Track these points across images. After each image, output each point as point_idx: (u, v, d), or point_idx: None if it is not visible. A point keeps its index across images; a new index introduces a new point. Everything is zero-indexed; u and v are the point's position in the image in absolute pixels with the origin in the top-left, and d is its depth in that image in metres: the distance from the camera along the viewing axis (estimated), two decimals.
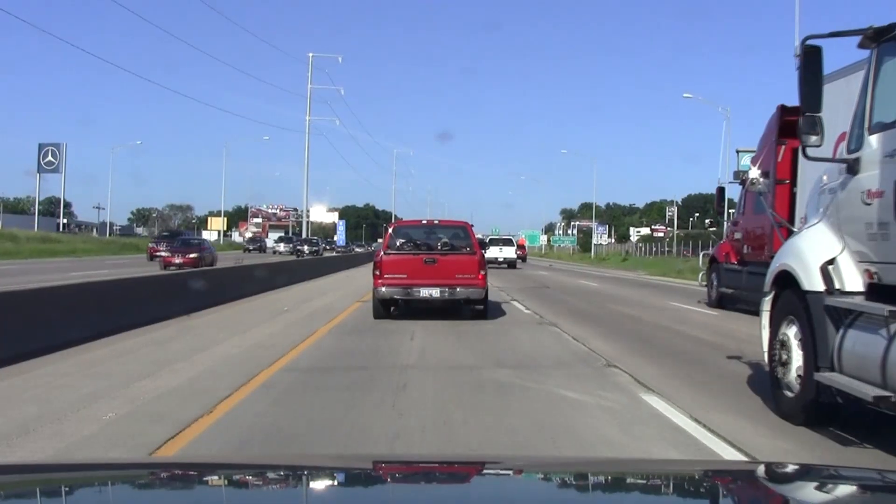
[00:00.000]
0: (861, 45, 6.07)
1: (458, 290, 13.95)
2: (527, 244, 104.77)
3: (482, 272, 14.10)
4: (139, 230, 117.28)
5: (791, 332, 6.40)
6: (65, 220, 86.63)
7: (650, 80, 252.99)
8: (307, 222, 74.04)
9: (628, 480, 2.31)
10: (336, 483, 2.23)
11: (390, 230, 15.73)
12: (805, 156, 6.11)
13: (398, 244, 14.76)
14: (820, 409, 6.07)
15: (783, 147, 15.12)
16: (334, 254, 64.83)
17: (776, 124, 15.59)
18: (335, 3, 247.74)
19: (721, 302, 18.99)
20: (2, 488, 2.01)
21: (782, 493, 2.18)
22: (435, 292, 13.94)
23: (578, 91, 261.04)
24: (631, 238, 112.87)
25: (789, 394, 6.38)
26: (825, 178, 6.66)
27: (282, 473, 2.33)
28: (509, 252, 43.49)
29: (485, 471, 2.42)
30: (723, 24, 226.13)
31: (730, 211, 20.64)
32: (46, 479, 2.16)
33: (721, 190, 22.50)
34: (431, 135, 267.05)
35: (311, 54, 61.78)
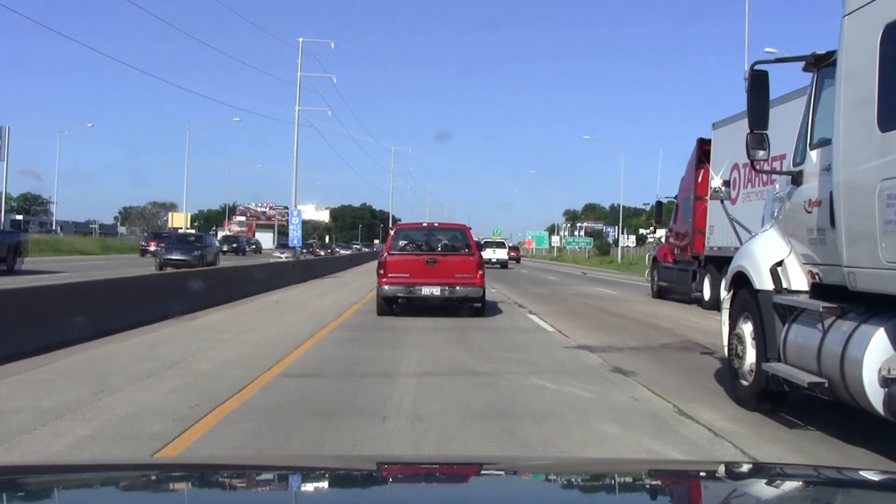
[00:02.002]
0: (805, 69, 6.77)
1: (457, 288, 14.88)
2: (534, 246, 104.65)
3: (480, 272, 15.06)
4: (122, 229, 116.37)
5: (745, 328, 7.08)
6: (20, 217, 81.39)
7: (649, 81, 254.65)
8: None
9: (629, 481, 2.32)
10: (339, 484, 2.24)
11: (392, 232, 16.96)
12: (754, 169, 6.80)
13: (401, 245, 15.78)
14: (769, 396, 6.76)
15: (701, 171, 18.84)
16: (278, 258, 41.69)
17: (696, 153, 19.60)
18: (330, 3, 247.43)
19: (660, 293, 22.07)
20: (2, 489, 1.99)
21: (753, 493, 2.19)
22: (436, 291, 14.87)
23: (578, 92, 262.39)
24: (649, 239, 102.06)
25: (744, 382, 7.07)
26: (777, 187, 7.35)
27: (284, 474, 2.32)
28: (502, 254, 50.55)
29: (489, 472, 2.46)
30: (722, 24, 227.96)
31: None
32: (46, 481, 2.15)
33: (659, 203, 25.31)
34: (430, 135, 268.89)
35: (301, 39, 60.95)
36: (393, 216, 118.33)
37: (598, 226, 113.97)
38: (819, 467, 2.61)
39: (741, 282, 7.25)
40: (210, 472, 2.34)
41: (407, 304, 15.53)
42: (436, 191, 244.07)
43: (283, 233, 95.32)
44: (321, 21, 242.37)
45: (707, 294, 18.46)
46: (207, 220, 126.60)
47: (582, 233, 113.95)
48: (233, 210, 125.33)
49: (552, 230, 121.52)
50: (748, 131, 6.58)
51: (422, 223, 18.54)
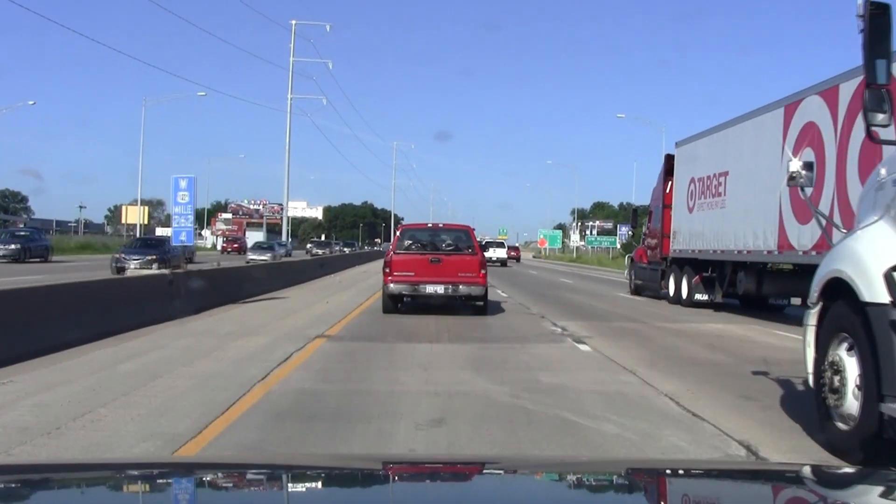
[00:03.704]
0: None
1: (460, 287, 15.22)
2: (547, 245, 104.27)
3: (483, 271, 15.45)
4: (108, 229, 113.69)
5: (845, 353, 5.36)
6: None
7: (649, 80, 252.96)
8: (287, 218, 71.61)
9: (630, 480, 2.28)
10: (343, 483, 2.22)
11: (398, 232, 17.67)
12: (871, 138, 5.08)
13: (406, 245, 16.26)
14: (884, 446, 5.04)
15: (669, 183, 21.80)
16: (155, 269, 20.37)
17: (664, 167, 22.32)
18: (330, 3, 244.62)
19: (637, 290, 24.50)
20: (5, 489, 1.99)
21: (788, 494, 2.13)
22: (440, 289, 15.20)
23: (579, 91, 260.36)
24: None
25: (843, 426, 5.34)
26: (883, 171, 5.62)
27: (289, 474, 2.30)
28: (501, 253, 55.55)
29: (491, 471, 2.42)
30: (722, 23, 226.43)
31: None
32: (47, 480, 2.12)
33: (635, 211, 28.49)
34: (432, 135, 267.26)
35: (294, 22, 58.26)
36: (395, 215, 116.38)
37: (609, 224, 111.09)
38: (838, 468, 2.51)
39: (837, 292, 5.52)
40: (215, 472, 2.30)
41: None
42: (439, 189, 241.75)
43: (274, 230, 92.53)
44: (318, 21, 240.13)
45: (671, 290, 20.68)
46: (199, 218, 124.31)
47: (595, 232, 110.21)
48: (224, 207, 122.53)
49: (562, 229, 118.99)
50: (865, 87, 4.86)
51: (426, 223, 19.15)
